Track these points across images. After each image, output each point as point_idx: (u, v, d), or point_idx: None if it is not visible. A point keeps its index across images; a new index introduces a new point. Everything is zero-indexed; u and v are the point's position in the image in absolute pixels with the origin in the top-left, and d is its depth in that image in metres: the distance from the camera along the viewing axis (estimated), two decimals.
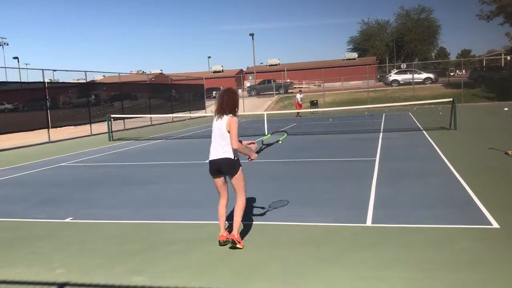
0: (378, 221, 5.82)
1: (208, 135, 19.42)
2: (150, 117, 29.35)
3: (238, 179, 5.10)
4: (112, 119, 20.67)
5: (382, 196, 7.08)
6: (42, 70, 21.54)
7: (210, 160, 5.11)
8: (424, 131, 16.19)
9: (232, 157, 5.05)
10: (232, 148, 5.02)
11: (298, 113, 29.59)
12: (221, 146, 5.03)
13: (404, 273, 4.19)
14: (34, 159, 14.10)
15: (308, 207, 6.73)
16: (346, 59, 63.79)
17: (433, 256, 4.57)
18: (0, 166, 13.04)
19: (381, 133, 16.42)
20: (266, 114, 20.44)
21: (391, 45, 71.08)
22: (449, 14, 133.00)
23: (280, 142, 5.66)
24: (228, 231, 5.26)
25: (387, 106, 27.41)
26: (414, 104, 29.54)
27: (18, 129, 19.77)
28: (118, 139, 19.60)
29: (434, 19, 70.40)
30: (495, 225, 5.44)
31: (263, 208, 6.64)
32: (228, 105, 5.08)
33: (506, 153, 10.36)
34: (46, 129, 20.90)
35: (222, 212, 5.27)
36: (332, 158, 11.47)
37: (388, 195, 7.15)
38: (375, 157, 10.99)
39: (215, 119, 5.15)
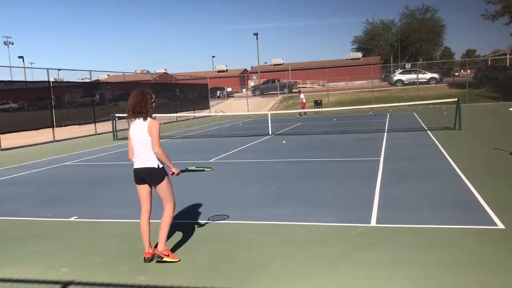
0: (382, 221, 5.80)
1: (211, 135, 19.46)
2: (154, 116, 29.34)
3: (163, 188, 4.73)
4: (116, 118, 20.72)
5: (386, 196, 7.07)
6: (47, 69, 21.64)
7: (134, 169, 4.79)
8: (428, 131, 16.13)
9: (156, 166, 4.68)
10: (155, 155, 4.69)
11: (304, 112, 29.64)
12: (144, 154, 4.68)
13: (408, 274, 4.17)
14: (39, 158, 14.15)
15: (312, 207, 6.72)
16: (351, 59, 63.70)
17: (437, 256, 4.56)
18: (5, 165, 13.10)
19: (385, 133, 16.38)
20: (270, 114, 20.43)
21: (395, 45, 70.94)
22: (454, 14, 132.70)
23: (205, 170, 5.26)
24: (154, 246, 4.90)
25: (391, 106, 27.33)
26: (419, 104, 29.45)
27: (23, 128, 19.85)
28: (123, 138, 19.63)
29: (438, 18, 70.30)
30: (500, 225, 5.42)
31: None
32: (140, 107, 4.67)
33: (511, 154, 10.31)
34: (51, 128, 20.96)
35: (145, 228, 4.81)
36: (336, 158, 11.45)
37: (393, 195, 7.14)
38: (380, 157, 10.97)
39: (131, 126, 4.75)
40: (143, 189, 4.81)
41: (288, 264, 4.57)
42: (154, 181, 4.72)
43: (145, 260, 4.74)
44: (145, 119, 4.67)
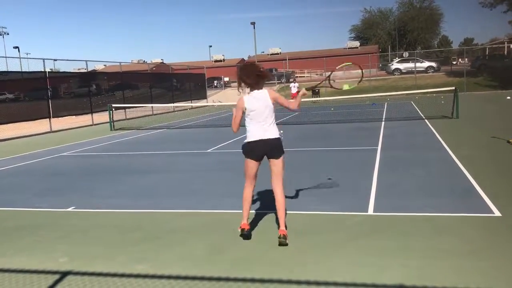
0: (380, 210, 5.82)
1: (209, 125, 19.43)
2: (152, 106, 29.30)
3: (283, 161, 4.76)
4: (113, 109, 20.66)
5: (384, 185, 7.08)
6: (43, 59, 21.51)
7: (257, 140, 4.61)
8: (426, 120, 16.14)
9: (280, 137, 4.72)
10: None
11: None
12: (268, 125, 4.61)
13: (405, 261, 4.19)
14: (36, 149, 14.12)
15: (310, 196, 6.73)
16: (348, 48, 63.49)
17: (434, 244, 4.58)
18: (1, 155, 13.06)
19: (383, 122, 16.38)
20: None
21: (393, 34, 70.69)
22: (451, 2, 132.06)
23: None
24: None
25: (389, 95, 27.34)
26: (416, 93, 29.40)
27: (20, 119, 19.77)
28: (120, 129, 19.60)
29: (436, 7, 70.08)
30: (497, 213, 5.44)
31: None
32: (261, 79, 4.62)
33: (508, 142, 10.34)
34: (48, 119, 20.90)
35: (250, 199, 4.90)
36: (333, 147, 11.46)
37: (390, 184, 7.15)
38: (377, 146, 10.98)
39: (247, 100, 4.61)
40: (257, 166, 4.79)
41: (285, 253, 4.58)
42: (280, 152, 4.69)
43: (243, 232, 4.76)
44: (261, 89, 4.62)
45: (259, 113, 4.59)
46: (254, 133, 4.62)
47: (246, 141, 4.68)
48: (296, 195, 6.78)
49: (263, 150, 4.63)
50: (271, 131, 4.62)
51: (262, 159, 4.75)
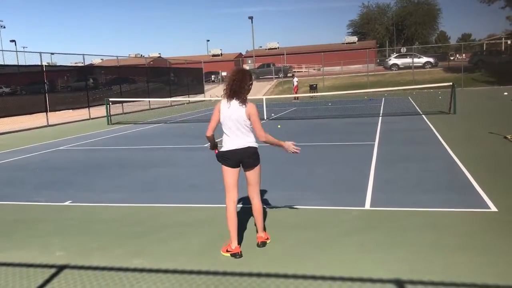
0: (376, 205, 5.83)
1: (206, 120, 19.38)
2: (149, 101, 29.22)
3: (258, 170, 4.55)
4: (110, 103, 20.59)
5: (380, 180, 7.10)
6: (40, 53, 21.40)
7: (230, 150, 4.39)
8: (423, 115, 16.16)
9: (257, 146, 4.47)
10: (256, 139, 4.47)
11: (296, 97, 29.78)
12: (244, 135, 4.39)
13: (402, 256, 4.21)
14: (33, 143, 14.07)
15: (307, 190, 6.74)
16: (346, 43, 63.38)
17: (431, 239, 4.59)
18: None
19: (380, 118, 16.39)
20: (265, 98, 20.35)
21: (391, 29, 70.62)
22: None
23: None
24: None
25: (386, 90, 27.34)
26: (414, 88, 29.40)
27: (16, 113, 19.69)
28: (117, 123, 19.55)
29: (434, 2, 69.93)
30: (493, 208, 5.46)
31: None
32: (238, 86, 4.35)
33: (505, 137, 10.36)
34: (45, 113, 20.82)
35: (235, 216, 4.47)
36: (330, 142, 11.46)
37: (387, 179, 7.16)
38: (374, 141, 10.99)
39: (225, 105, 4.38)
40: (235, 174, 4.47)
41: (281, 247, 4.59)
42: (255, 163, 4.48)
43: (238, 256, 4.34)
44: (243, 101, 4.35)
45: (234, 121, 4.37)
46: (229, 142, 4.40)
47: (220, 149, 4.44)
48: (292, 190, 6.79)
49: (238, 159, 4.42)
50: (247, 140, 4.42)
51: (239, 166, 4.50)
